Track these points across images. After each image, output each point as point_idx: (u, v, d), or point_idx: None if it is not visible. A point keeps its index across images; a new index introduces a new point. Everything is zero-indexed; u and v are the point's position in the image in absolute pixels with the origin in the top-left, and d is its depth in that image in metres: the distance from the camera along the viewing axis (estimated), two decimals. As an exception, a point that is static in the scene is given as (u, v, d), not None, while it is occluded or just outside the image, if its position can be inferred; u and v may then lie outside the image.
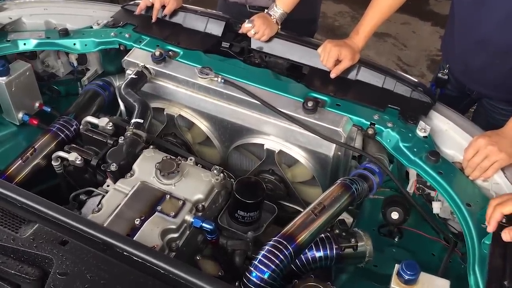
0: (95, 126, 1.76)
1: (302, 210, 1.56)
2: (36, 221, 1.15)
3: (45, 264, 1.07)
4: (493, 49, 1.84)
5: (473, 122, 1.78)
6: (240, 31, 2.02)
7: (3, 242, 1.10)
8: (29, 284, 1.04)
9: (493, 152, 1.48)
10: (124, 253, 1.10)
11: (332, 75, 1.84)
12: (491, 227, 1.31)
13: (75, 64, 2.16)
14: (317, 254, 1.48)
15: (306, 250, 1.45)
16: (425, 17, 4.81)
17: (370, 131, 1.68)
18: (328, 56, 1.83)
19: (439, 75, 2.15)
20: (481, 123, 1.83)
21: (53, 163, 1.70)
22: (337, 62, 1.84)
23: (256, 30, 1.94)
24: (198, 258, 1.51)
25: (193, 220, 1.44)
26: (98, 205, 1.49)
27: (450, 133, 1.70)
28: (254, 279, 1.30)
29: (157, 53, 1.87)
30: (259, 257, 1.33)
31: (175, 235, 1.43)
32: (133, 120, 1.70)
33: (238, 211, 1.57)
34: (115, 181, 1.57)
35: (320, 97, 1.77)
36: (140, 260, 1.09)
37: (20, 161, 1.71)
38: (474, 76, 2.00)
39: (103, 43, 2.03)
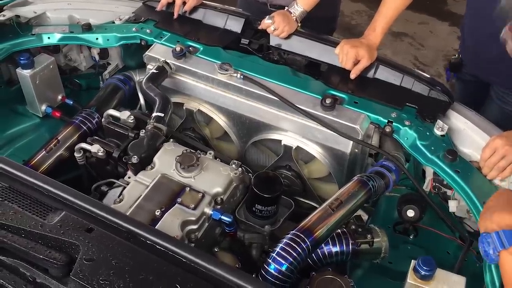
0: (116, 119, 1.80)
1: (317, 206, 1.58)
2: (63, 209, 1.19)
3: (71, 250, 1.11)
4: None
5: (485, 108, 1.77)
6: (259, 27, 2.04)
7: (32, 228, 1.14)
8: (57, 269, 1.08)
9: (511, 152, 1.49)
10: (148, 241, 1.13)
11: (352, 75, 1.85)
12: None
13: (97, 58, 2.20)
14: (333, 249, 1.50)
15: (323, 244, 1.48)
16: (443, 17, 4.77)
17: (388, 129, 1.69)
18: (346, 58, 1.84)
19: (452, 60, 2.21)
20: (494, 110, 1.83)
21: (76, 154, 1.74)
22: (356, 61, 1.85)
23: (276, 26, 1.96)
24: (216, 250, 1.54)
25: (212, 212, 1.47)
26: (119, 196, 1.53)
27: (467, 132, 1.70)
28: (272, 271, 1.33)
29: (178, 49, 1.90)
30: (277, 249, 1.35)
31: (195, 226, 1.46)
32: (154, 114, 1.73)
33: (256, 205, 1.60)
34: (136, 173, 1.60)
35: (338, 94, 1.79)
36: (162, 249, 1.12)
37: (44, 152, 1.75)
38: (486, 66, 2.02)
39: (125, 38, 2.07)
